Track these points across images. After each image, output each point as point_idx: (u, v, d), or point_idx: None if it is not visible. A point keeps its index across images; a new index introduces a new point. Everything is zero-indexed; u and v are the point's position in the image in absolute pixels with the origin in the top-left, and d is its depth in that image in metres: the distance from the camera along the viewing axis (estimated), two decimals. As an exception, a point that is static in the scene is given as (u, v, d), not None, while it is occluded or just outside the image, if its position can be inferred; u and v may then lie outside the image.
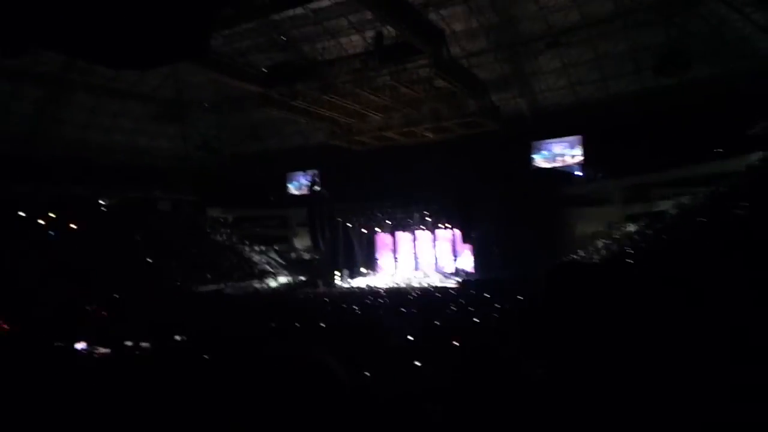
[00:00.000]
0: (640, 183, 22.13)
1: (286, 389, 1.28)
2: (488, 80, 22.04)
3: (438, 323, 9.23)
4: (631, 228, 21.18)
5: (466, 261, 27.87)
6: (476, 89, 20.63)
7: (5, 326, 9.50)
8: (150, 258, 24.26)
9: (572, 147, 23.76)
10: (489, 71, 22.69)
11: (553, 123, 23.68)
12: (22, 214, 22.52)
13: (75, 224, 24.11)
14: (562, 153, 23.95)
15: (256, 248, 30.55)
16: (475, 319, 9.42)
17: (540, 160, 24.30)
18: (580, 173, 24.01)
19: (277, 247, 31.70)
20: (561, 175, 23.94)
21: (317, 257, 30.10)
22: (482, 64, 22.61)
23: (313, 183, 29.90)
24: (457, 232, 27.63)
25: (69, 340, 8.29)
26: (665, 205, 20.89)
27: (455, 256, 28.50)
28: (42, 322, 10.36)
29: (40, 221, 22.96)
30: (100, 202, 27.69)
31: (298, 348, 1.39)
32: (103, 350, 8.63)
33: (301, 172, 30.59)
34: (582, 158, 23.57)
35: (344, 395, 1.32)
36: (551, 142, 24.19)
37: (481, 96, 21.06)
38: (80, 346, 8.65)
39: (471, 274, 26.16)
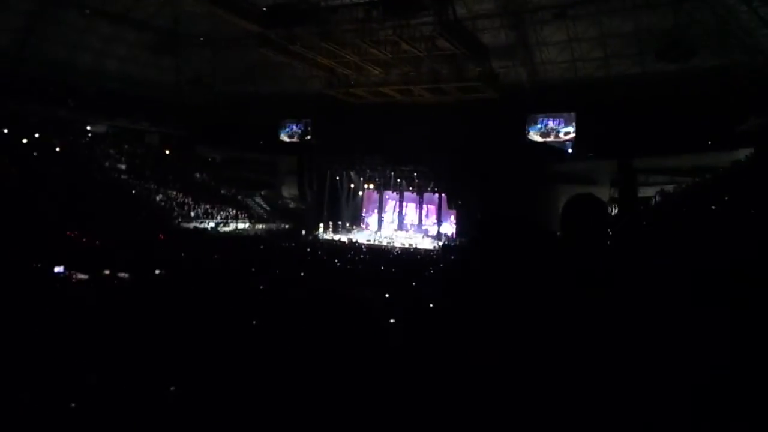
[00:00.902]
0: (628, 167, 22.31)
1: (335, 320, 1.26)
2: (491, 46, 21.71)
3: (414, 282, 9.48)
4: (614, 211, 21.51)
5: (450, 226, 28.20)
6: (478, 54, 20.36)
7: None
8: (134, 190, 24.13)
9: (566, 124, 23.74)
10: (493, 36, 22.31)
11: (550, 97, 23.55)
12: (5, 131, 22.08)
13: (60, 147, 23.74)
14: (555, 128, 23.93)
15: (242, 191, 30.47)
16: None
17: (533, 134, 24.28)
18: (571, 151, 24.09)
19: (263, 193, 31.64)
20: (552, 150, 24.01)
21: (303, 207, 30.16)
22: (487, 29, 22.20)
23: (304, 132, 29.59)
24: (444, 197, 27.80)
25: (48, 262, 8.37)
26: (649, 192, 21.19)
27: (439, 220, 28.78)
28: (23, 242, 10.39)
29: (24, 140, 22.56)
30: (87, 128, 27.19)
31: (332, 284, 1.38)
32: (80, 276, 8.73)
33: (293, 120, 30.17)
34: (574, 136, 23.60)
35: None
36: (546, 117, 24.11)
37: (482, 61, 20.80)
38: (58, 269, 8.75)
39: (453, 239, 26.52)
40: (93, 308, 6.17)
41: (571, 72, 23.33)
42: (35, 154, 22.24)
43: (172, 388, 3.63)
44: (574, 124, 23.58)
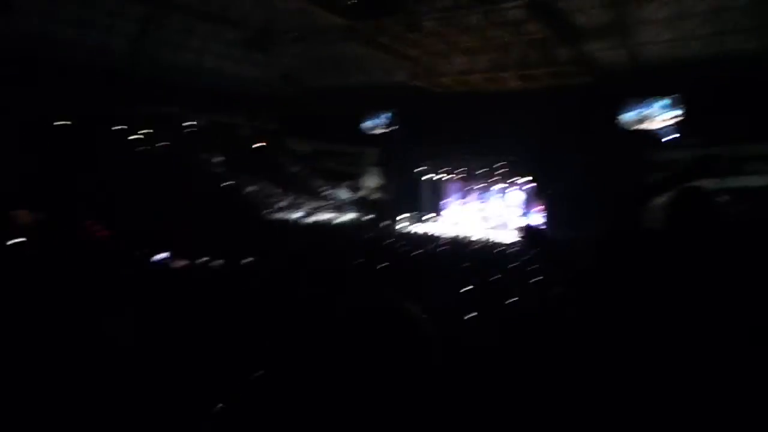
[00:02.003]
0: (736, 154, 20.27)
1: (367, 346, 1.09)
2: (586, 27, 20.49)
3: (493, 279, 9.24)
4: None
5: (537, 218, 27.20)
6: (570, 36, 19.34)
7: (101, 233, 10.48)
8: (228, 181, 25.57)
9: (668, 108, 21.93)
10: (588, 17, 21.04)
11: (650, 80, 21.85)
12: (117, 128, 24.20)
13: (165, 142, 25.68)
14: (655, 113, 22.20)
15: (328, 183, 31.31)
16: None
17: (631, 120, 22.69)
18: (673, 138, 22.25)
19: (348, 184, 32.33)
20: (651, 137, 22.31)
21: (386, 197, 30.46)
22: (582, 8, 20.95)
23: (389, 123, 29.74)
24: (531, 187, 26.85)
25: (152, 250, 9.09)
26: (759, 181, 19.13)
27: (526, 211, 27.86)
28: (130, 230, 11.34)
29: (132, 137, 24.64)
30: (187, 123, 29.11)
31: (375, 298, 1.21)
32: (181, 262, 9.41)
33: (379, 111, 30.43)
34: (677, 121, 21.77)
35: (431, 349, 1.13)
36: (644, 101, 22.41)
37: (575, 44, 19.74)
38: (163, 255, 9.48)
39: (541, 231, 25.57)
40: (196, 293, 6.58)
41: (675, 50, 21.48)
42: (141, 148, 24.20)
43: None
44: (676, 107, 21.75)
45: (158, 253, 9.18)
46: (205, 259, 9.83)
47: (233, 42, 28.17)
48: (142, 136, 24.56)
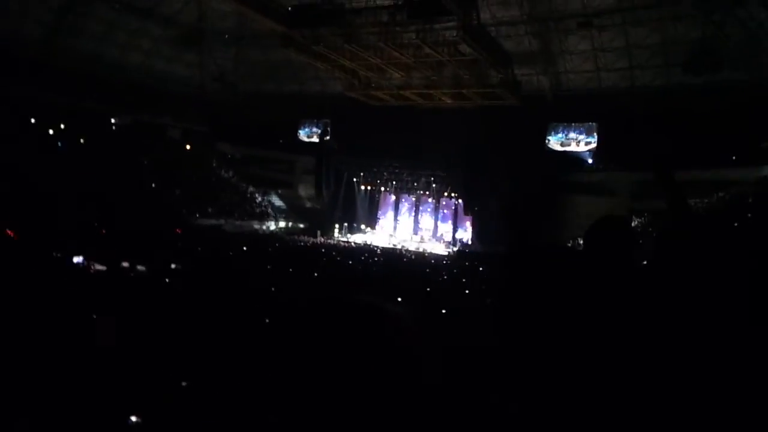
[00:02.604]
0: (648, 180, 21.94)
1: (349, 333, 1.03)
2: (514, 53, 21.55)
3: (428, 289, 9.39)
4: (635, 222, 21.17)
5: (466, 232, 28.02)
6: (500, 60, 20.22)
7: (10, 233, 9.64)
8: (154, 183, 24.38)
9: (588, 133, 23.46)
10: (516, 43, 22.17)
11: (572, 106, 23.28)
12: (32, 120, 22.47)
13: (84, 138, 24.10)
14: (576, 138, 23.65)
15: (260, 190, 30.65)
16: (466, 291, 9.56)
17: (553, 143, 24.03)
18: (591, 161, 23.79)
19: (280, 192, 31.79)
20: (572, 160, 23.72)
21: (319, 207, 30.25)
22: (510, 35, 22.06)
23: (324, 133, 29.65)
24: (460, 202, 27.66)
25: (67, 252, 8.45)
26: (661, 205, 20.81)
27: (455, 226, 28.63)
28: (44, 231, 10.50)
29: (50, 131, 22.94)
30: (112, 120, 27.55)
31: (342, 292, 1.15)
32: (99, 267, 8.79)
33: (313, 120, 30.27)
34: (595, 146, 23.31)
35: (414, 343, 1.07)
36: (567, 126, 23.85)
37: (505, 68, 20.66)
38: (77, 259, 8.82)
39: (469, 245, 26.35)
40: (112, 299, 6.18)
41: (594, 82, 23.06)
42: (60, 144, 22.59)
43: (183, 383, 3.60)
44: (595, 134, 23.30)
45: (72, 255, 8.54)
46: (125, 264, 9.27)
47: (163, 39, 27.08)
48: (54, 131, 22.96)
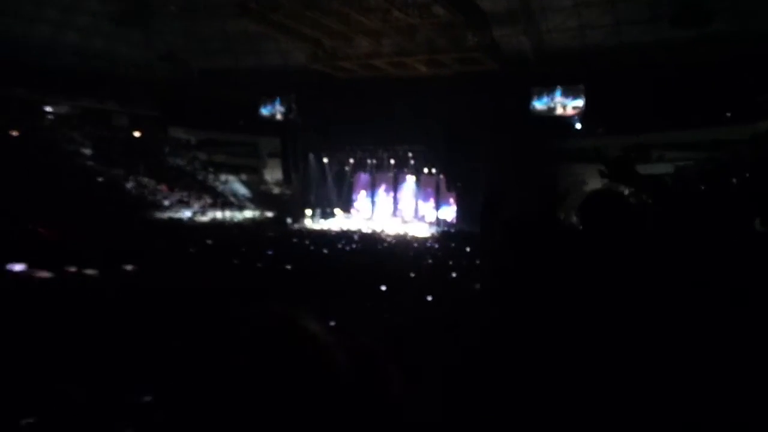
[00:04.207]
0: (640, 143, 22.23)
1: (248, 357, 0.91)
2: (491, 12, 21.40)
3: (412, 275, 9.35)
4: (625, 190, 21.46)
5: (449, 211, 28.06)
6: (477, 21, 20.10)
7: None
8: (101, 177, 23.77)
9: (574, 96, 23.55)
10: (493, 2, 21.99)
11: (556, 68, 23.31)
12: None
13: (17, 131, 23.27)
14: (562, 102, 23.73)
15: (221, 177, 30.16)
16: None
17: (538, 108, 24.07)
18: (580, 126, 23.93)
19: (244, 177, 31.33)
20: (559, 126, 23.83)
21: (288, 192, 29.92)
22: (487, -7, 21.89)
23: (288, 110, 29.19)
24: (442, 178, 27.62)
25: (5, 259, 8.13)
26: (664, 169, 21.12)
27: (437, 204, 28.65)
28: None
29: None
30: (47, 109, 26.65)
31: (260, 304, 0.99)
32: (43, 274, 8.50)
33: (276, 97, 29.75)
34: (583, 110, 23.43)
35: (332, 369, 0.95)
36: (552, 89, 23.88)
37: (482, 30, 20.55)
38: (18, 267, 8.51)
39: (452, 224, 26.42)
40: (57, 310, 5.97)
41: (578, 40, 23.07)
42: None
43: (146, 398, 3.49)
44: (582, 96, 23.40)
45: (12, 262, 8.23)
46: (73, 268, 8.99)
47: (101, 14, 26.12)
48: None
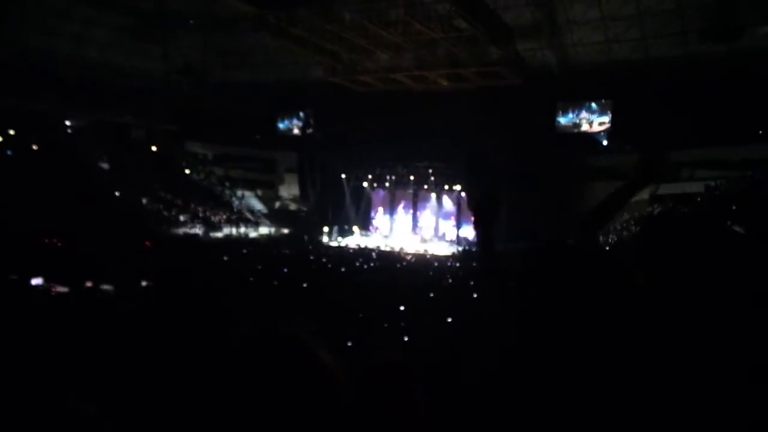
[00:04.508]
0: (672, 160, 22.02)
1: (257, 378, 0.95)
2: (515, 26, 21.49)
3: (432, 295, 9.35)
4: (657, 209, 21.25)
5: (470, 229, 27.96)
6: (500, 35, 20.17)
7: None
8: (118, 192, 24.18)
9: (600, 112, 23.46)
10: (517, 15, 22.08)
11: (582, 83, 23.26)
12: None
13: (37, 145, 23.84)
14: (588, 117, 23.64)
15: (237, 192, 30.46)
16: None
17: (564, 124, 24.01)
18: (606, 142, 23.80)
19: (260, 193, 31.62)
20: (585, 142, 23.71)
21: (305, 209, 30.10)
22: (510, 6, 21.96)
23: (306, 125, 29.49)
24: (463, 196, 27.59)
25: (25, 273, 8.31)
26: (694, 188, 20.88)
27: (459, 222, 28.57)
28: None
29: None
30: (67, 123, 27.29)
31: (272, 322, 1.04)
32: (60, 289, 8.68)
33: (293, 112, 30.10)
34: (609, 126, 23.31)
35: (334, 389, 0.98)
36: (578, 105, 23.83)
37: (506, 43, 20.60)
38: (36, 281, 8.70)
39: (474, 243, 26.29)
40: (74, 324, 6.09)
41: (605, 54, 23.03)
42: (9, 152, 22.35)
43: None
44: (609, 112, 23.30)
45: (31, 277, 8.42)
46: (89, 284, 9.15)
47: (121, 29, 26.81)
48: (1, 137, 22.70)
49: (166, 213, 24.97)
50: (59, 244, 12.98)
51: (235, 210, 29.06)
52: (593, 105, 23.59)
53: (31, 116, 23.94)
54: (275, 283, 10.78)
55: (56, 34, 25.43)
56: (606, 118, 23.34)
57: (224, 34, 27.78)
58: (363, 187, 30.69)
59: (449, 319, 7.52)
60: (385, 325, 7.09)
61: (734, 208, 16.46)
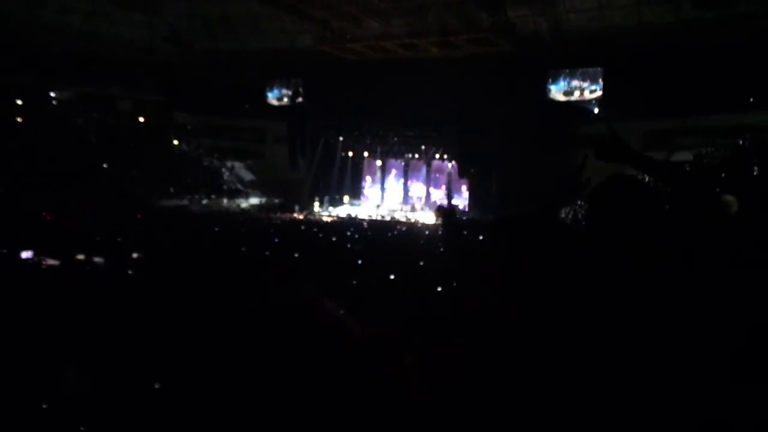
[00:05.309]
0: (661, 128, 22.10)
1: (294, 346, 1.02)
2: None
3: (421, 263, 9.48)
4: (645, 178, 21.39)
5: (462, 198, 28.12)
6: (492, 1, 19.98)
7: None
8: (106, 163, 24.03)
9: (592, 80, 23.40)
10: (508, -19, 21.84)
11: (573, 50, 23.14)
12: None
13: (21, 118, 23.57)
14: (580, 86, 23.59)
15: (227, 163, 30.34)
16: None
17: (555, 92, 23.95)
18: (597, 111, 23.80)
19: (250, 163, 31.49)
20: (576, 111, 23.70)
21: (295, 179, 30.07)
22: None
23: (295, 94, 29.24)
24: (454, 165, 27.64)
25: (14, 247, 8.36)
26: (684, 156, 21.00)
27: (450, 191, 28.69)
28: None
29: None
30: (51, 94, 26.91)
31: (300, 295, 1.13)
32: (50, 261, 8.74)
33: (282, 81, 29.79)
34: (601, 94, 23.29)
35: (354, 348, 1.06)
36: (569, 73, 23.74)
37: (497, 10, 20.43)
38: (26, 254, 8.75)
39: (465, 212, 26.47)
40: (67, 297, 6.17)
41: (597, 21, 22.86)
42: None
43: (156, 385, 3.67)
44: (600, 80, 23.25)
45: (21, 250, 8.46)
46: (80, 256, 9.21)
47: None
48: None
49: (155, 184, 24.87)
50: (48, 218, 12.99)
51: (225, 180, 28.99)
52: (585, 72, 23.51)
53: (12, 88, 23.57)
54: (266, 253, 10.87)
55: (38, 3, 24.89)
56: (597, 87, 23.30)
57: (211, 2, 27.29)
58: (353, 156, 30.65)
59: (438, 288, 7.65)
60: (375, 294, 7.22)
61: (723, 176, 16.60)
